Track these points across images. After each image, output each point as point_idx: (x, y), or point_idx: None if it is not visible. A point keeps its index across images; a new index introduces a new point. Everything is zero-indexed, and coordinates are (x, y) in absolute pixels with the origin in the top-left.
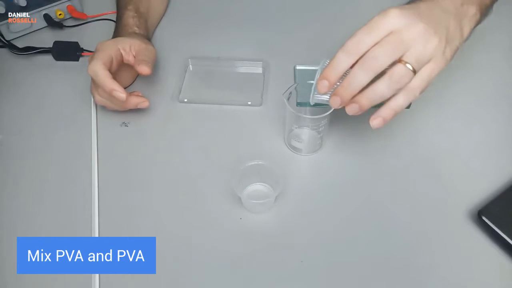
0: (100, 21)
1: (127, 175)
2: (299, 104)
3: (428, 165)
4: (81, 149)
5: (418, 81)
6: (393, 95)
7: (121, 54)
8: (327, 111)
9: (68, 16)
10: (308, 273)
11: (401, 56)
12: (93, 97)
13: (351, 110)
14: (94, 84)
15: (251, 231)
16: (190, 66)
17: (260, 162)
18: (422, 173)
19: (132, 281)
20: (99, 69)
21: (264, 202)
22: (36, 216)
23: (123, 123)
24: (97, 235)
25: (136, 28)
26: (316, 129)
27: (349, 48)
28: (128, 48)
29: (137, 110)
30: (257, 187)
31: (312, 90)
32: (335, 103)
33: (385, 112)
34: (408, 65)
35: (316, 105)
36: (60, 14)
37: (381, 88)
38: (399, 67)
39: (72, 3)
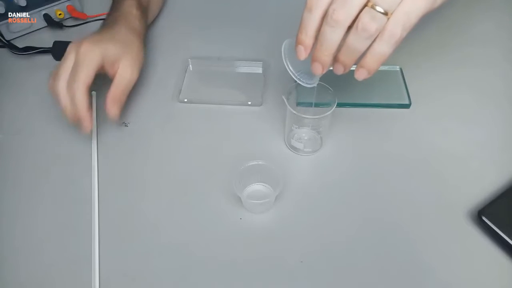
0: (100, 21)
1: (127, 175)
2: (299, 104)
3: (428, 165)
4: (81, 149)
5: (395, 22)
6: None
7: (103, 66)
8: (327, 111)
9: (68, 16)
10: (308, 273)
11: None
12: (54, 87)
13: (337, 70)
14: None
15: (251, 231)
16: (190, 66)
17: (260, 162)
18: (422, 173)
19: (132, 281)
20: (81, 96)
21: (264, 202)
22: (36, 216)
23: (123, 123)
24: (97, 235)
25: (137, 22)
26: (316, 129)
27: (310, 4)
28: (113, 60)
29: (137, 110)
30: (257, 187)
31: (290, 72)
32: (317, 69)
33: (367, 61)
34: (378, 7)
35: (316, 105)
36: (60, 14)
37: (352, 41)
38: (363, 13)
39: (72, 3)
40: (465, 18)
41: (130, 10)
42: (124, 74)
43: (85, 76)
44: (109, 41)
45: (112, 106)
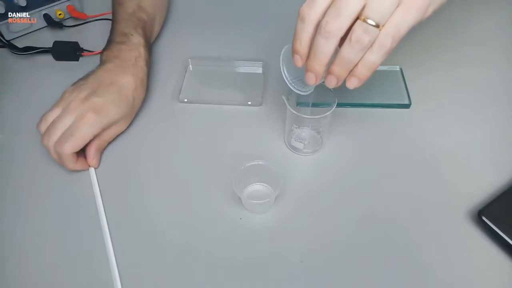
0: (100, 21)
1: (127, 175)
2: (299, 104)
3: (428, 165)
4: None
5: (385, 34)
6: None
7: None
8: (327, 111)
9: (68, 16)
10: (308, 273)
11: (361, 11)
12: (45, 142)
13: (329, 83)
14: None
15: (251, 231)
16: (190, 66)
17: (260, 162)
18: (422, 173)
19: (132, 280)
20: (68, 159)
21: (264, 202)
22: (37, 216)
23: None
24: (107, 233)
25: (145, 68)
26: (316, 129)
27: (303, 15)
28: (111, 125)
29: (137, 110)
30: (257, 187)
31: (285, 79)
32: (310, 79)
33: (358, 71)
34: (370, 20)
35: (316, 105)
36: (60, 14)
37: (346, 53)
38: (356, 25)
39: (72, 3)
40: (465, 17)
41: (140, 51)
42: (115, 130)
43: (76, 146)
44: (113, 107)
45: (95, 156)
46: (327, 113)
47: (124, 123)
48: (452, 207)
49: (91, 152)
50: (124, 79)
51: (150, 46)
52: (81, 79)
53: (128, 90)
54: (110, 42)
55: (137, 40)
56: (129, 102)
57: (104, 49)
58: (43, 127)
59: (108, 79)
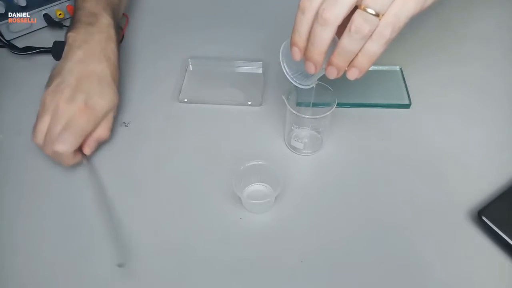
0: None
1: (127, 174)
2: (299, 104)
3: (428, 165)
4: None
5: (385, 23)
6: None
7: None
8: (327, 111)
9: (68, 16)
10: (308, 273)
11: (360, 0)
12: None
13: (330, 74)
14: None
15: (251, 231)
16: (190, 66)
17: (260, 162)
18: (422, 173)
19: (131, 280)
20: (69, 154)
21: (264, 202)
22: (37, 216)
23: (123, 123)
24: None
25: (116, 51)
26: (316, 129)
27: (303, 6)
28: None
29: (137, 110)
30: (257, 187)
31: (286, 73)
32: (310, 69)
33: (359, 61)
34: (369, 9)
35: (316, 105)
36: (60, 14)
37: (345, 43)
38: (355, 15)
39: (72, 2)
40: (465, 15)
41: (109, 32)
42: (109, 118)
43: (78, 142)
44: (101, 101)
45: (92, 146)
46: (327, 113)
47: (114, 111)
48: (452, 207)
49: (90, 141)
50: (100, 67)
51: (118, 27)
52: (54, 76)
53: (108, 78)
54: (77, 21)
55: (107, 21)
56: (112, 89)
57: (71, 29)
58: (40, 138)
59: (84, 71)
